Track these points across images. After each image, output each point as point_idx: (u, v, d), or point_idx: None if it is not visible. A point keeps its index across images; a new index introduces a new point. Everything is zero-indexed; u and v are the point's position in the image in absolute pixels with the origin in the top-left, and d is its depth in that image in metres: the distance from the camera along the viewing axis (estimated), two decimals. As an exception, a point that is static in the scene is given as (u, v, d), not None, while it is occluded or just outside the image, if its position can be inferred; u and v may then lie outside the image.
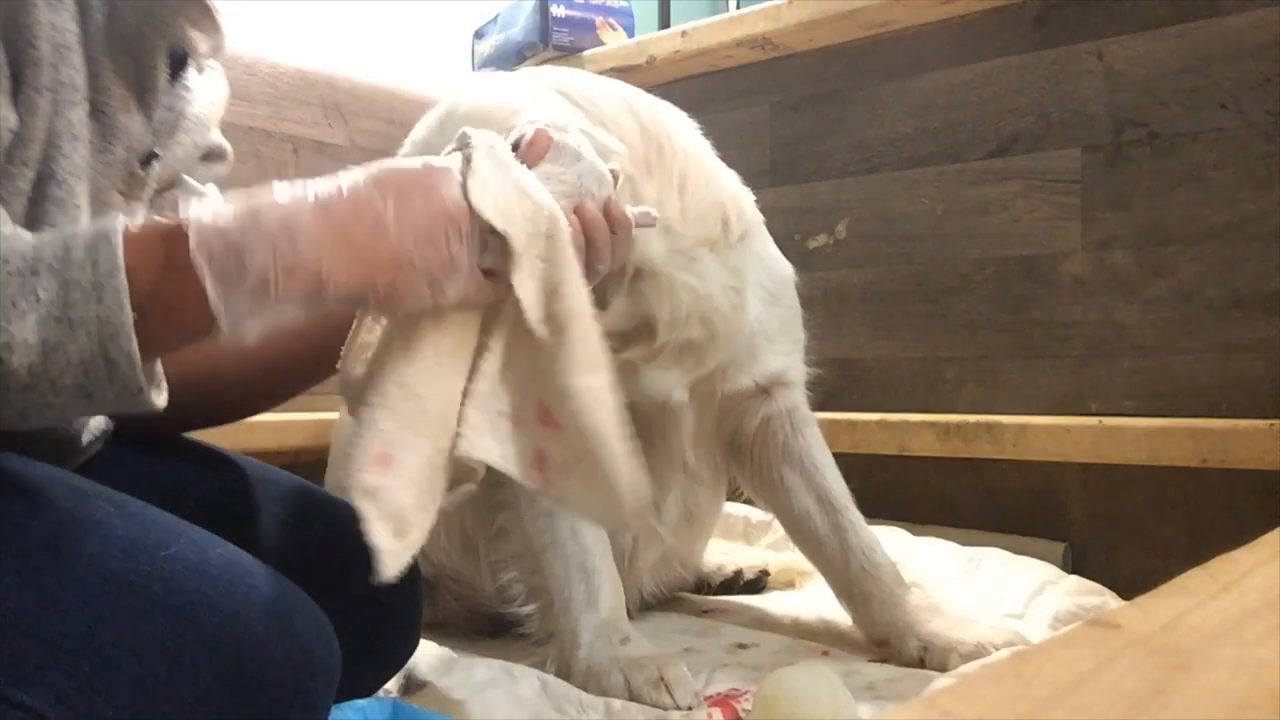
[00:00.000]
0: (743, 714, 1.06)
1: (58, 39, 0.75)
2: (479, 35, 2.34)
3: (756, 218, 1.29)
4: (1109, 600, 1.38)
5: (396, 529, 0.71)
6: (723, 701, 1.09)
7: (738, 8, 2.77)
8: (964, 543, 1.60)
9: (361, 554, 0.98)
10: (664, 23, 2.78)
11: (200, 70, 0.97)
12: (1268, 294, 1.49)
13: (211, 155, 1.05)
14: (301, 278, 0.66)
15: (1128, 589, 1.40)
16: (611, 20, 2.21)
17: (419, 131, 1.27)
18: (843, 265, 1.90)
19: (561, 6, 2.15)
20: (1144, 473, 1.55)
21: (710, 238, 1.20)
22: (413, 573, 1.02)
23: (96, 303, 0.63)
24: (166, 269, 0.65)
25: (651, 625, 1.40)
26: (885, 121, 1.83)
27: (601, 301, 1.06)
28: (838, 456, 1.79)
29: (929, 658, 1.21)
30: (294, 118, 2.02)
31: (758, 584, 1.61)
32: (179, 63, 0.92)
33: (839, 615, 1.38)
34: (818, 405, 1.73)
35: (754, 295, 1.28)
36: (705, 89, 2.02)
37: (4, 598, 0.64)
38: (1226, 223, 1.52)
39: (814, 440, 1.36)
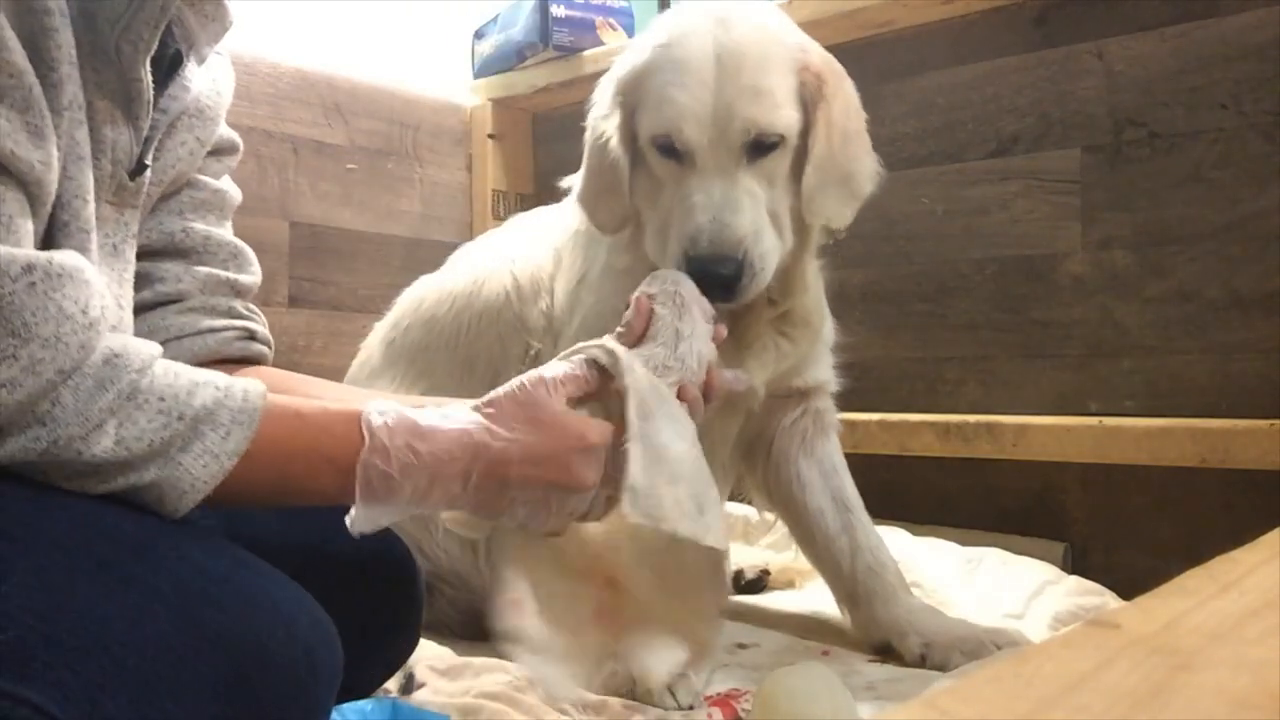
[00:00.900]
0: (743, 714, 1.06)
1: (72, 57, 0.75)
2: (479, 35, 2.34)
3: None
4: (1109, 600, 1.38)
5: (556, 656, 0.89)
6: (723, 701, 1.08)
7: (738, 8, 2.76)
8: (964, 543, 1.60)
9: (362, 555, 0.99)
10: (664, 23, 2.78)
11: (201, 61, 0.96)
12: (1268, 294, 1.49)
13: (221, 149, 1.04)
14: (424, 510, 0.84)
15: (1128, 589, 1.40)
16: (611, 20, 2.21)
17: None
18: (843, 265, 1.89)
19: (561, 6, 2.15)
20: (1144, 473, 1.55)
21: (818, 244, 1.31)
22: (413, 573, 1.02)
23: (202, 466, 0.74)
24: (318, 459, 0.79)
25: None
26: (885, 121, 1.83)
27: None
28: (838, 456, 1.77)
29: (930, 656, 1.22)
30: (294, 118, 2.02)
31: (759, 584, 1.61)
32: (174, 62, 0.91)
33: (839, 615, 1.38)
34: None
35: (824, 302, 1.37)
36: (705, 89, 2.02)
37: (12, 595, 0.64)
38: (1226, 223, 1.52)
39: (835, 445, 1.40)
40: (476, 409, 0.86)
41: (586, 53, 2.14)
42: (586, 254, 1.31)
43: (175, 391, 0.74)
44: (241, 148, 1.07)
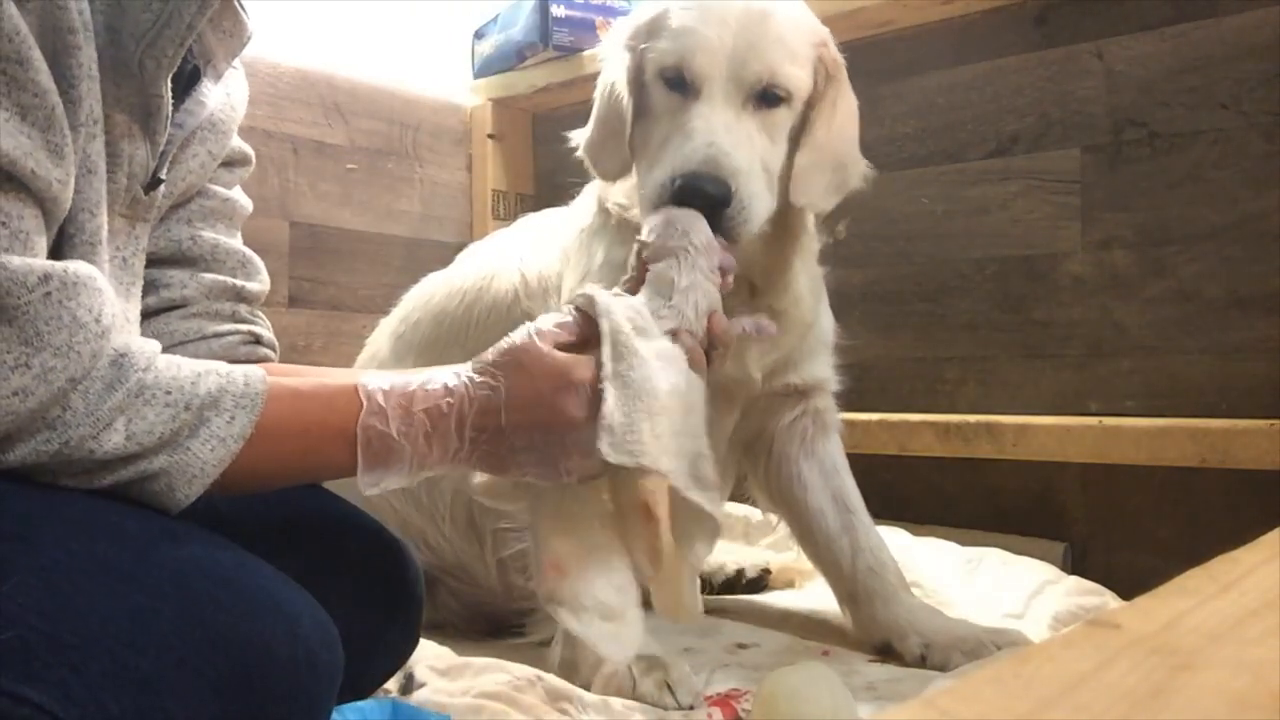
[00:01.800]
0: (743, 714, 1.06)
1: (91, 73, 0.76)
2: (479, 35, 2.34)
3: None
4: (1109, 600, 1.39)
5: (602, 615, 0.85)
6: (723, 701, 1.09)
7: (738, 8, 2.76)
8: (964, 543, 1.60)
9: (363, 555, 0.99)
10: (664, 23, 2.78)
11: (218, 78, 0.96)
12: (1268, 294, 1.49)
13: (233, 161, 1.05)
14: (430, 471, 0.84)
15: (1128, 589, 1.40)
16: (611, 20, 2.21)
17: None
18: (843, 265, 1.89)
19: (561, 6, 2.15)
20: (1144, 473, 1.55)
21: (812, 244, 1.31)
22: (414, 573, 1.02)
23: (210, 450, 0.75)
24: (321, 434, 0.81)
25: (652, 624, 1.38)
26: (885, 121, 1.83)
27: None
28: (838, 456, 1.77)
29: (930, 656, 1.22)
30: (294, 118, 2.02)
31: (759, 583, 1.61)
32: (191, 77, 0.91)
33: (839, 615, 1.38)
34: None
35: (823, 302, 1.36)
36: (705, 89, 2.02)
37: (15, 595, 0.65)
38: (1226, 223, 1.52)
39: (836, 444, 1.39)
40: (466, 367, 0.88)
41: (586, 53, 2.14)
42: (590, 250, 1.32)
43: (180, 384, 0.75)
44: (253, 160, 1.08)
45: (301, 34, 2.06)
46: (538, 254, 1.39)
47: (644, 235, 0.99)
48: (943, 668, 1.20)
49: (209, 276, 1.00)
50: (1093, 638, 0.44)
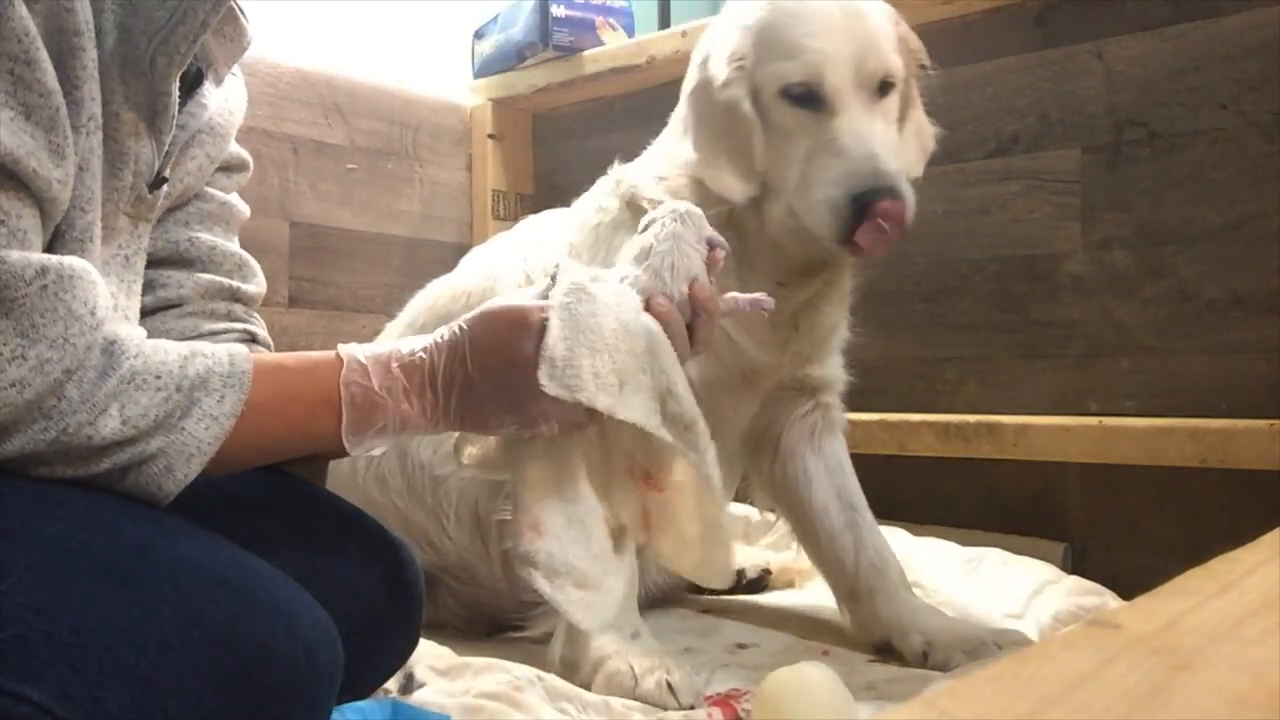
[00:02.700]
0: (742, 714, 1.06)
1: (94, 74, 0.76)
2: (479, 35, 2.34)
3: None
4: (1109, 600, 1.39)
5: (575, 582, 0.84)
6: (723, 701, 1.09)
7: (738, 8, 2.76)
8: (964, 543, 1.60)
9: (362, 555, 0.99)
10: (664, 23, 2.78)
11: (219, 82, 0.97)
12: (1268, 294, 1.49)
13: (231, 166, 1.05)
14: (412, 427, 0.85)
15: (1128, 589, 1.40)
16: (611, 20, 2.21)
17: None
18: (843, 265, 1.90)
19: (561, 6, 2.15)
20: (1144, 473, 1.55)
21: None
22: (413, 572, 1.02)
23: (204, 429, 0.76)
24: (306, 400, 0.82)
25: (652, 624, 1.39)
26: (885, 121, 1.83)
27: None
28: (838, 456, 1.76)
29: (932, 655, 1.22)
30: (294, 118, 2.02)
31: (760, 583, 1.61)
32: (195, 79, 0.92)
33: (839, 615, 1.38)
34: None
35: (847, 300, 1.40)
36: (705, 89, 2.02)
37: (13, 594, 0.65)
38: (1226, 223, 1.52)
39: (842, 443, 1.41)
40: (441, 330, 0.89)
41: (586, 53, 2.14)
42: (610, 243, 1.32)
43: (169, 367, 0.76)
44: (251, 166, 1.09)
45: (301, 34, 2.06)
46: (542, 252, 1.39)
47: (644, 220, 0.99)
48: (944, 667, 1.20)
49: (205, 277, 1.01)
50: (1093, 638, 0.44)
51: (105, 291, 0.75)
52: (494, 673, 1.09)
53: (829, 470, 1.38)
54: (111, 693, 0.63)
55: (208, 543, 0.76)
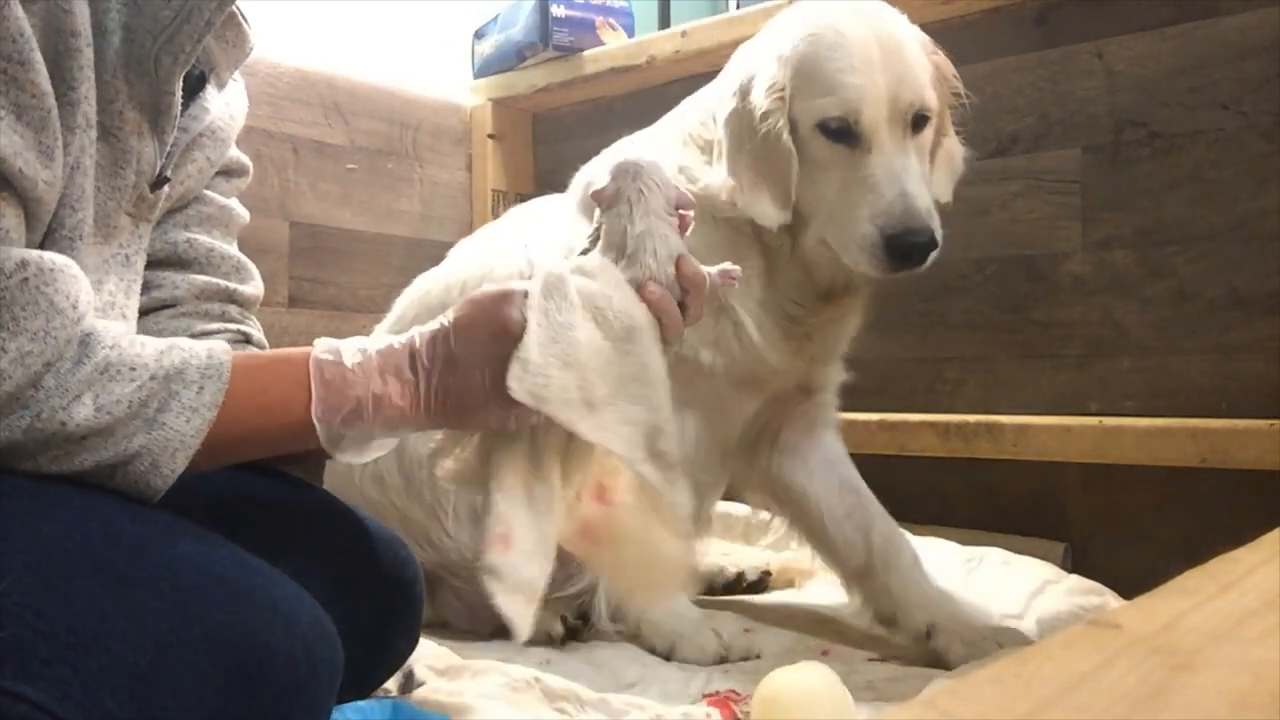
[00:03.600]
0: (741, 715, 1.06)
1: (90, 75, 0.77)
2: (479, 35, 2.34)
3: None
4: (1109, 600, 1.39)
5: (526, 597, 0.81)
6: (722, 702, 1.09)
7: (738, 8, 2.77)
8: (964, 543, 1.60)
9: (363, 555, 0.99)
10: (664, 23, 2.78)
11: (221, 87, 0.97)
12: (1268, 294, 1.49)
13: (231, 171, 1.05)
14: (389, 409, 0.81)
15: (1128, 589, 1.40)
16: (611, 20, 2.21)
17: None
18: (843, 265, 1.89)
19: (561, 6, 2.15)
20: (1144, 473, 1.55)
21: None
22: (413, 571, 1.02)
23: (185, 422, 0.75)
24: (279, 386, 0.80)
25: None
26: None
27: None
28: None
29: (934, 637, 1.25)
30: (294, 118, 2.02)
31: (760, 585, 1.61)
32: (198, 83, 0.92)
33: (839, 614, 1.38)
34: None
35: None
36: (705, 89, 2.02)
37: (11, 593, 0.65)
38: (1226, 223, 1.52)
39: (837, 436, 1.44)
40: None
41: (586, 53, 2.14)
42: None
43: (144, 360, 0.75)
44: (251, 171, 1.09)
45: (301, 34, 2.06)
46: (542, 240, 1.40)
47: (595, 184, 0.94)
48: (942, 653, 1.22)
49: (200, 278, 1.01)
50: (1093, 638, 0.44)
51: (88, 286, 0.75)
52: (493, 673, 1.09)
53: (828, 460, 1.40)
54: (110, 692, 0.63)
55: (206, 542, 0.75)
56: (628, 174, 0.91)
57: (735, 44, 1.90)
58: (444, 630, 1.38)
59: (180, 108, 0.86)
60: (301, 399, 0.79)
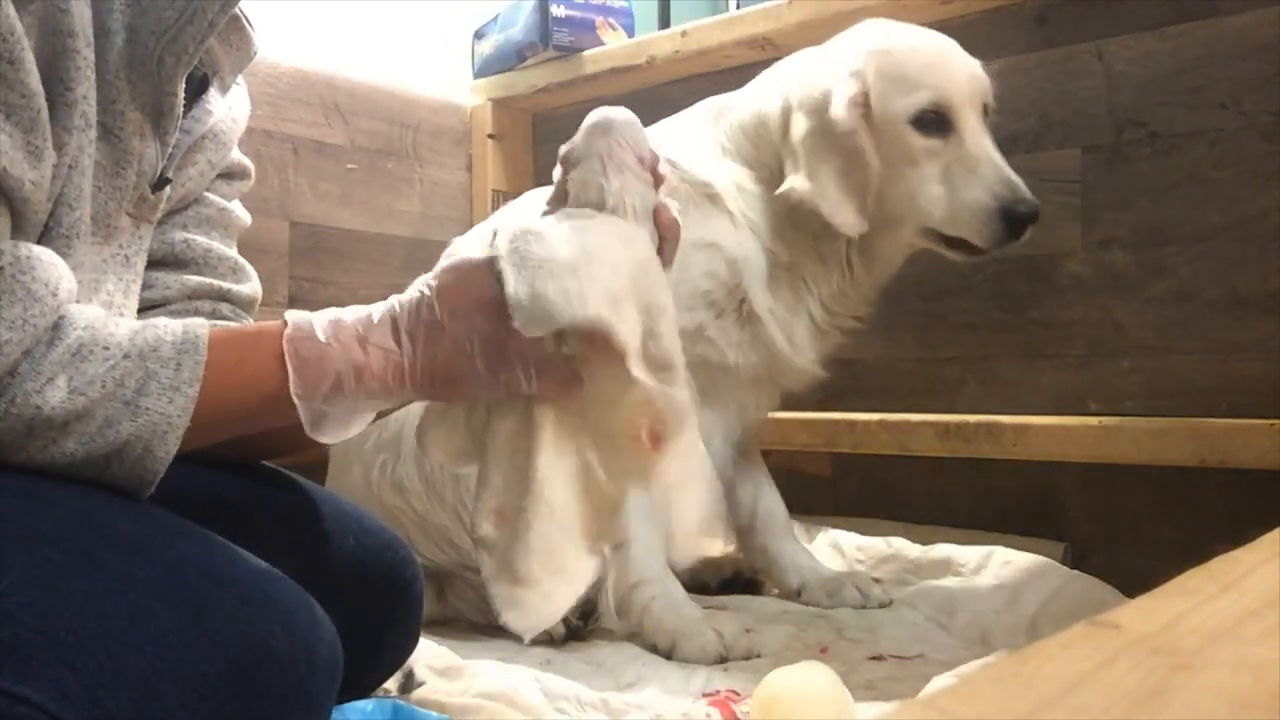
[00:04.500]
0: (741, 715, 1.06)
1: (90, 75, 0.76)
2: (479, 35, 2.34)
3: None
4: (1109, 598, 1.39)
5: (514, 578, 0.77)
6: (722, 702, 1.09)
7: (738, 8, 2.77)
8: (964, 543, 1.60)
9: (363, 554, 0.99)
10: (664, 23, 2.78)
11: (225, 90, 0.97)
12: (1268, 294, 1.49)
13: (233, 174, 1.05)
14: (370, 380, 0.78)
15: (1128, 589, 1.40)
16: (611, 20, 2.21)
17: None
18: (843, 265, 1.89)
19: (561, 6, 2.15)
20: (1144, 473, 1.55)
21: None
22: (413, 570, 1.02)
23: (168, 402, 0.73)
24: (255, 359, 0.77)
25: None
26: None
27: None
28: (838, 456, 1.80)
29: (804, 592, 1.50)
30: (294, 118, 2.02)
31: (757, 582, 1.61)
32: (201, 85, 0.92)
33: (838, 614, 1.38)
34: (818, 405, 1.73)
35: None
36: (705, 89, 2.01)
37: (11, 594, 0.64)
38: (1226, 223, 1.52)
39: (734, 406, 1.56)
40: None
41: (586, 53, 2.14)
42: None
43: (118, 339, 0.74)
44: (253, 174, 1.08)
45: (301, 34, 2.06)
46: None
47: (564, 147, 0.89)
48: (815, 604, 1.47)
49: (195, 279, 1.01)
50: (1093, 638, 0.44)
51: (69, 275, 0.75)
52: (493, 673, 1.09)
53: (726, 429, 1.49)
54: (110, 692, 0.63)
55: (204, 542, 0.75)
56: (598, 130, 0.87)
57: (735, 44, 1.92)
58: (447, 628, 1.38)
59: (182, 109, 0.86)
60: (279, 374, 0.77)
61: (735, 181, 1.40)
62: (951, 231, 1.33)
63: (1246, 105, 1.51)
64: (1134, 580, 1.40)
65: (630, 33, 2.22)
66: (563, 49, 2.15)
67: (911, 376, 1.82)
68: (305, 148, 2.03)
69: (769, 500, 1.58)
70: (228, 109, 1.01)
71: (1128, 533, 1.60)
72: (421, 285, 0.81)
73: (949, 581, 1.51)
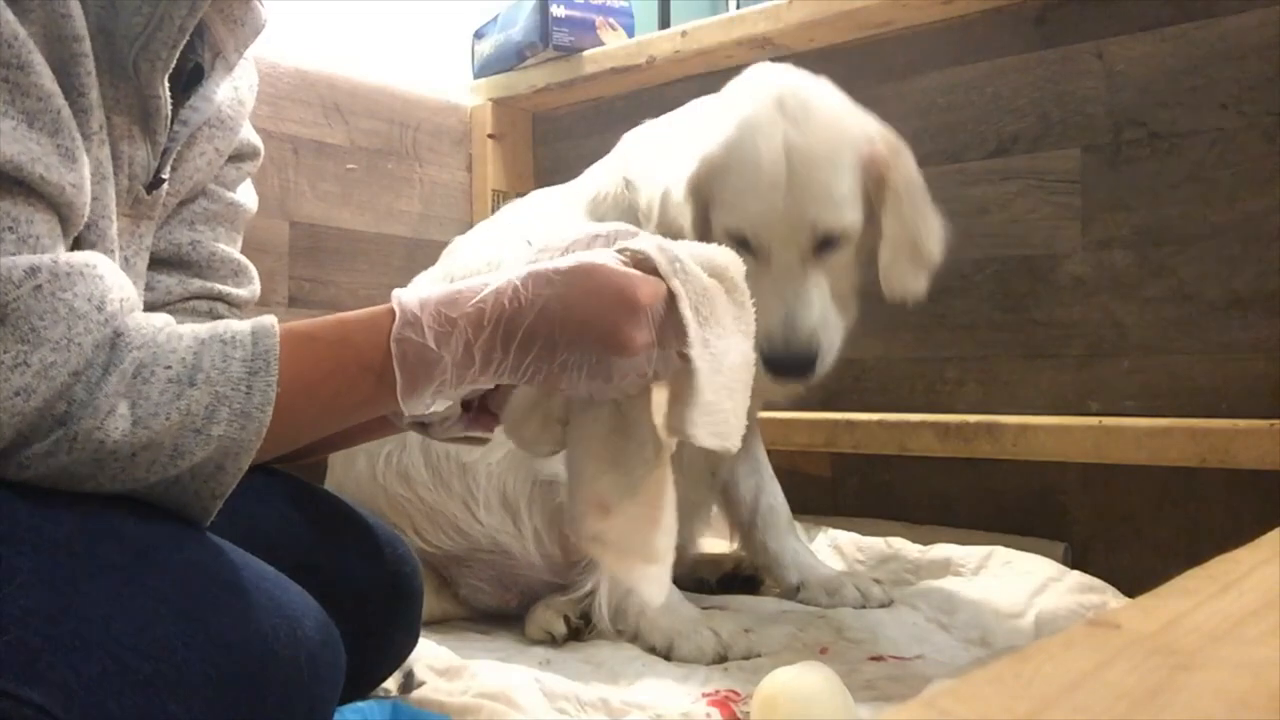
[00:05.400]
0: (741, 715, 1.06)
1: (96, 80, 0.75)
2: (479, 35, 2.34)
3: None
4: (1109, 598, 1.39)
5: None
6: (722, 702, 1.08)
7: (738, 8, 2.77)
8: (964, 543, 1.60)
9: (361, 552, 0.99)
10: (664, 23, 2.78)
11: (229, 70, 0.95)
12: (1268, 294, 1.49)
13: (243, 155, 1.04)
14: (470, 384, 0.78)
15: (1128, 589, 1.40)
16: (611, 20, 2.21)
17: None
18: (843, 265, 1.89)
19: (561, 6, 2.15)
20: (1144, 473, 1.55)
21: None
22: (412, 567, 1.02)
23: (239, 429, 0.71)
24: (350, 359, 0.75)
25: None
26: (885, 121, 1.83)
27: None
28: (838, 456, 1.80)
29: (803, 590, 1.49)
30: (294, 118, 2.02)
31: (756, 580, 1.61)
32: (193, 75, 0.91)
33: (838, 614, 1.38)
34: (818, 405, 1.74)
35: None
36: (705, 89, 2.01)
37: (18, 597, 0.64)
38: (1226, 223, 1.52)
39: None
40: (523, 271, 0.79)
41: (586, 53, 2.14)
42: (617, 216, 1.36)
43: (180, 355, 0.71)
44: (262, 152, 1.07)
45: (301, 34, 2.06)
46: (550, 228, 1.41)
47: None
48: (812, 602, 1.46)
49: (196, 282, 1.00)
50: (1093, 637, 0.44)
51: (116, 284, 0.72)
52: (493, 672, 1.09)
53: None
54: (115, 696, 0.63)
55: (210, 546, 0.75)
56: (599, 235, 0.87)
57: (735, 44, 1.92)
58: (443, 628, 1.38)
59: (171, 106, 0.84)
60: (375, 388, 0.75)
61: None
62: None
63: (1247, 105, 1.51)
64: (1134, 580, 1.41)
65: (630, 33, 2.22)
66: (563, 49, 2.15)
67: (911, 376, 1.82)
68: (305, 148, 2.03)
69: (771, 497, 1.57)
70: (232, 91, 0.98)
71: (1128, 533, 1.60)
72: (549, 279, 0.77)
73: (949, 582, 1.51)
